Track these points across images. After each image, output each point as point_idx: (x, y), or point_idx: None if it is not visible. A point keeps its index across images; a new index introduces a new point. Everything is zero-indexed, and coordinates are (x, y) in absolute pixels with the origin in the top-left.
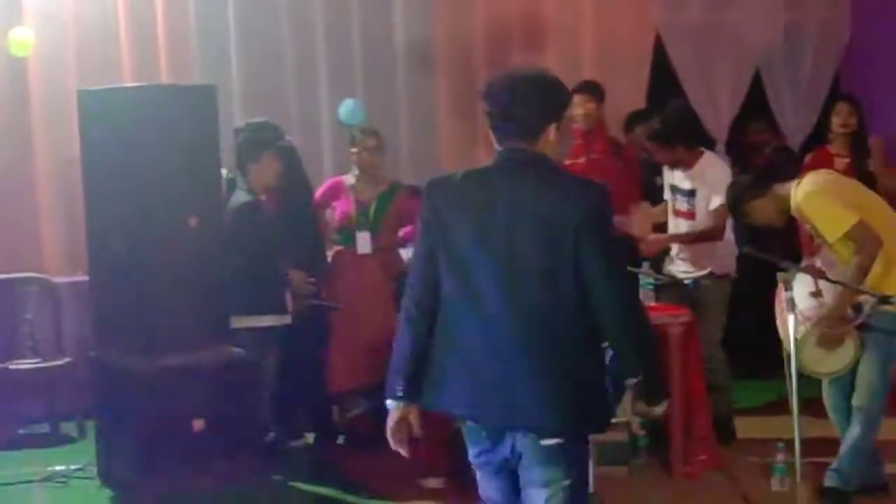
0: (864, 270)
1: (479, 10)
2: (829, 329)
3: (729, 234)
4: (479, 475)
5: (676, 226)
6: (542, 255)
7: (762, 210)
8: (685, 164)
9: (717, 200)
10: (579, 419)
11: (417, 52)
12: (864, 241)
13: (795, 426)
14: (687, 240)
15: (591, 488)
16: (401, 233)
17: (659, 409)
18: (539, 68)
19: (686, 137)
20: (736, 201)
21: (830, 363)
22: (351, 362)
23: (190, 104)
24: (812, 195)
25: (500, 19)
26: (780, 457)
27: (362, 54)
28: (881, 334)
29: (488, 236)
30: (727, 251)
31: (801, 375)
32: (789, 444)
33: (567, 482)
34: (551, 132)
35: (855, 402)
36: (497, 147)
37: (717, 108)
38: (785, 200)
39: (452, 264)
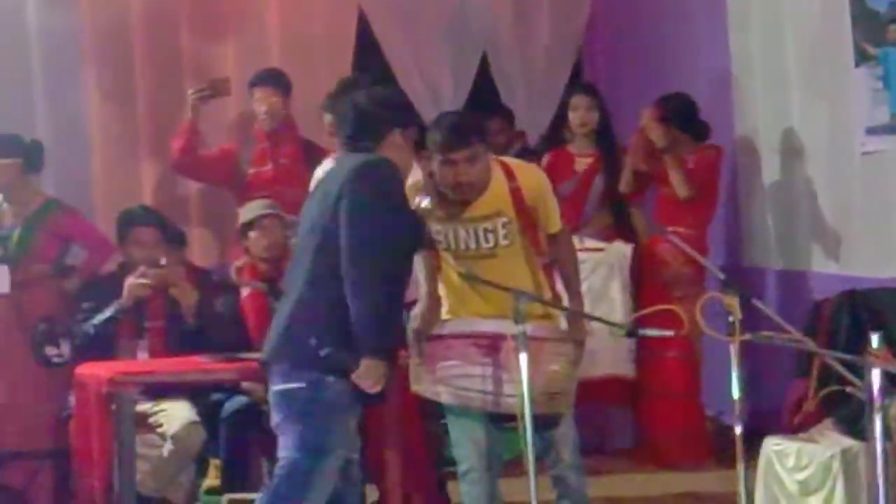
0: None
1: None
2: None
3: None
4: None
5: None
6: (321, 218)
7: None
8: None
9: None
10: (278, 352)
11: (59, 40)
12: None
13: (532, 488)
14: None
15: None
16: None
17: (355, 376)
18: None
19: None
20: None
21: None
22: None
23: None
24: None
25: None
26: None
27: None
28: None
29: (308, 212)
30: None
31: (537, 428)
32: None
33: (291, 427)
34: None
35: (566, 465)
36: None
37: (438, 99)
38: None
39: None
